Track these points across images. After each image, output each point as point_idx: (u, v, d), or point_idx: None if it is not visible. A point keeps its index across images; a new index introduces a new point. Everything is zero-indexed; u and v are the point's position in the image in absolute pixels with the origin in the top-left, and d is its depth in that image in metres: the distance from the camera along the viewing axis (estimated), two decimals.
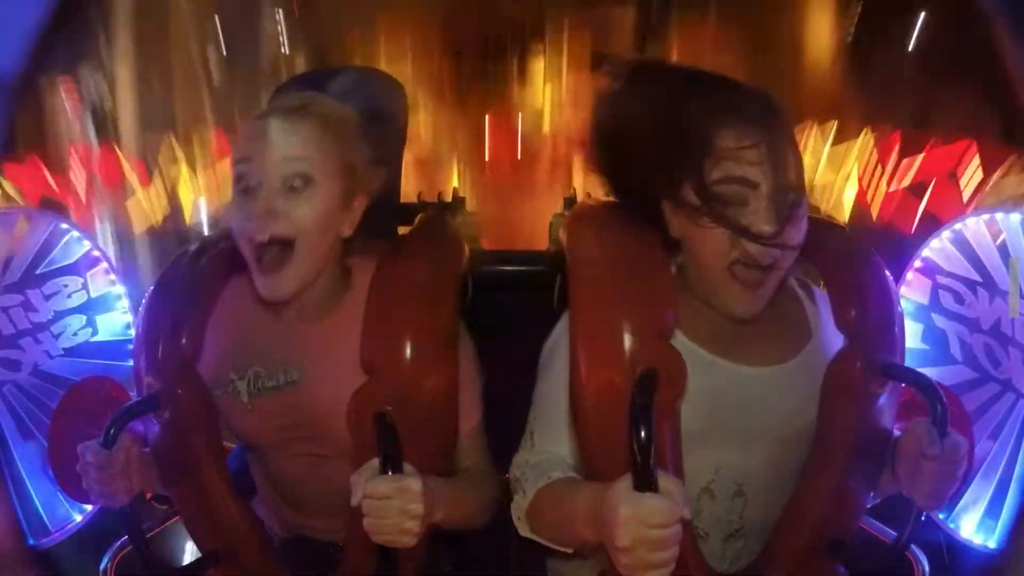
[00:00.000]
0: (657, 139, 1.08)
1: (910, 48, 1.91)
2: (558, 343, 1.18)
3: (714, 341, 1.12)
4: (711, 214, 1.03)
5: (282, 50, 3.18)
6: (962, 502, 1.53)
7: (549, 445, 1.15)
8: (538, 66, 3.78)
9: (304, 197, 1.10)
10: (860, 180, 2.29)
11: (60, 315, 1.65)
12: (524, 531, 1.13)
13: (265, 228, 1.08)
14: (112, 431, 1.09)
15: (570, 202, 1.72)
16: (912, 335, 1.61)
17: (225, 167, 2.53)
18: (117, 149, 2.18)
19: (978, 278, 1.55)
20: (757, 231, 1.02)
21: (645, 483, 0.86)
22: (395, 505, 0.96)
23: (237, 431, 1.25)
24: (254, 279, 1.13)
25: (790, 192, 1.04)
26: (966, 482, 1.49)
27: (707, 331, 1.12)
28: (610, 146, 1.17)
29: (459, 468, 1.24)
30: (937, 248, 1.61)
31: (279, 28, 3.15)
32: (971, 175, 1.80)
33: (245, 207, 1.09)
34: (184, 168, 2.55)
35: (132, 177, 2.26)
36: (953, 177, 1.86)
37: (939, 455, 1.00)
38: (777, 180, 1.03)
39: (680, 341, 1.10)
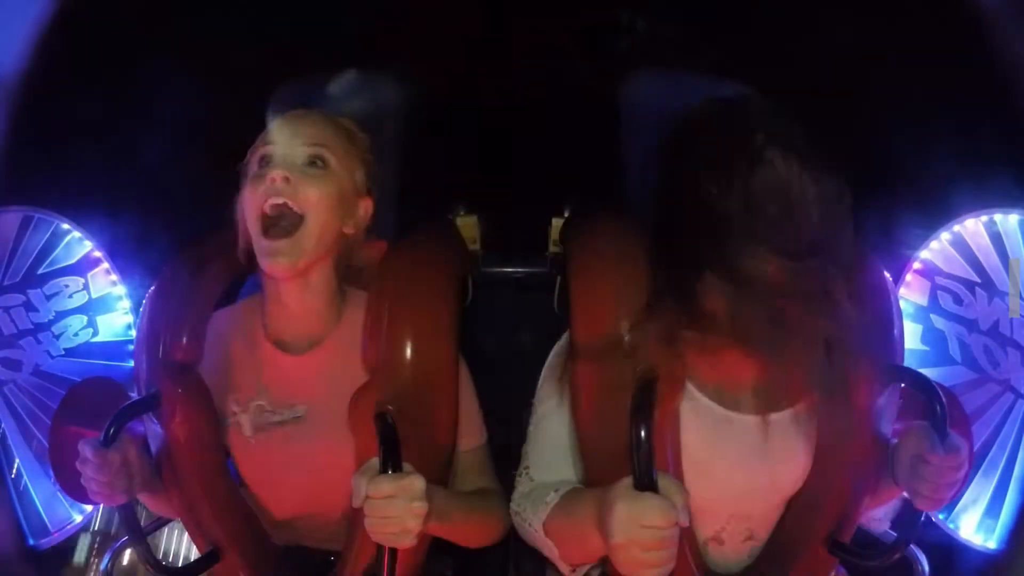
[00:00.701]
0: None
1: None
2: (549, 377, 1.17)
3: (719, 390, 1.10)
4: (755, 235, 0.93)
5: None
6: (962, 502, 1.53)
7: (545, 477, 1.15)
8: None
9: (319, 177, 1.15)
10: None
11: (61, 315, 1.65)
12: (566, 572, 1.10)
13: (279, 193, 1.12)
14: (112, 429, 1.09)
15: (571, 204, 1.72)
16: (911, 336, 1.61)
17: None
18: None
19: (977, 279, 1.56)
20: (794, 249, 0.93)
21: (644, 483, 0.86)
22: (399, 504, 0.96)
23: (236, 463, 1.24)
24: (257, 252, 1.14)
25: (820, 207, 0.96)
26: (966, 482, 1.49)
27: (712, 379, 1.10)
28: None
29: (464, 489, 1.24)
30: (936, 249, 1.62)
31: None
32: None
33: (262, 176, 1.14)
34: None
35: None
36: None
37: (939, 457, 0.99)
38: (810, 195, 0.94)
39: (687, 392, 1.08)
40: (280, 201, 1.12)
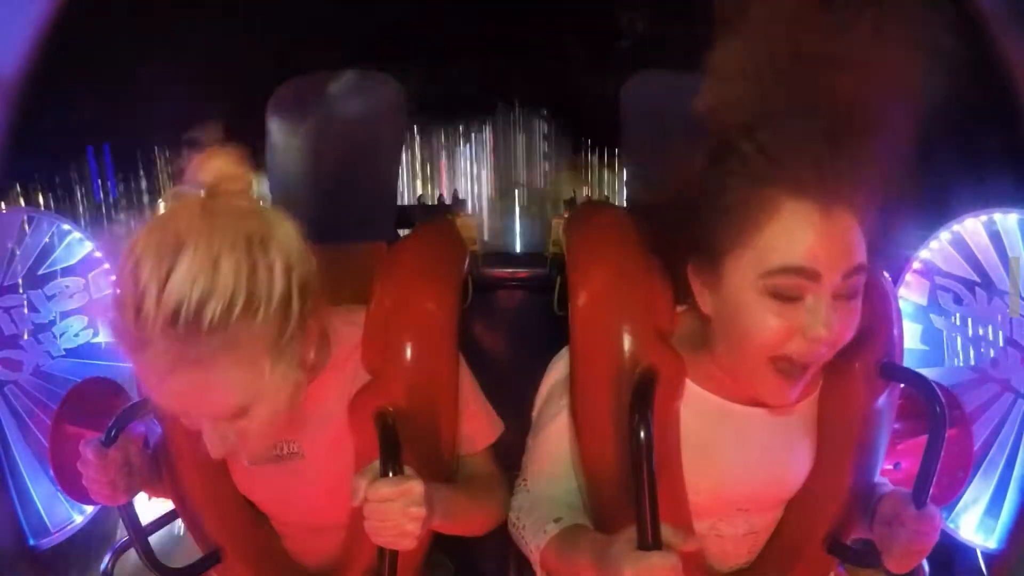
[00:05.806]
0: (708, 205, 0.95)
1: None
2: (549, 388, 1.17)
3: (720, 381, 1.08)
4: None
5: None
6: (962, 502, 1.53)
7: (543, 489, 1.15)
8: None
9: (248, 418, 0.97)
10: None
11: (62, 316, 1.66)
12: None
13: (217, 452, 0.98)
14: (114, 430, 1.09)
15: (571, 204, 1.73)
16: (911, 336, 1.61)
17: None
18: None
19: (976, 278, 1.56)
20: (813, 335, 0.92)
21: (648, 543, 0.87)
22: (397, 507, 0.96)
23: (235, 481, 1.23)
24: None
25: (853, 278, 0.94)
26: (966, 483, 1.49)
27: (714, 373, 1.08)
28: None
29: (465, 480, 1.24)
30: (935, 249, 1.62)
31: None
32: None
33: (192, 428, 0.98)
34: None
35: None
36: None
37: (913, 519, 0.96)
38: (843, 269, 0.92)
39: (689, 387, 1.07)
40: (221, 456, 0.99)
